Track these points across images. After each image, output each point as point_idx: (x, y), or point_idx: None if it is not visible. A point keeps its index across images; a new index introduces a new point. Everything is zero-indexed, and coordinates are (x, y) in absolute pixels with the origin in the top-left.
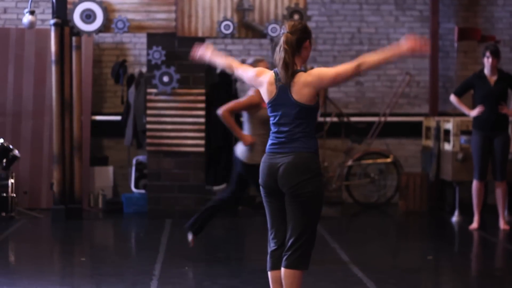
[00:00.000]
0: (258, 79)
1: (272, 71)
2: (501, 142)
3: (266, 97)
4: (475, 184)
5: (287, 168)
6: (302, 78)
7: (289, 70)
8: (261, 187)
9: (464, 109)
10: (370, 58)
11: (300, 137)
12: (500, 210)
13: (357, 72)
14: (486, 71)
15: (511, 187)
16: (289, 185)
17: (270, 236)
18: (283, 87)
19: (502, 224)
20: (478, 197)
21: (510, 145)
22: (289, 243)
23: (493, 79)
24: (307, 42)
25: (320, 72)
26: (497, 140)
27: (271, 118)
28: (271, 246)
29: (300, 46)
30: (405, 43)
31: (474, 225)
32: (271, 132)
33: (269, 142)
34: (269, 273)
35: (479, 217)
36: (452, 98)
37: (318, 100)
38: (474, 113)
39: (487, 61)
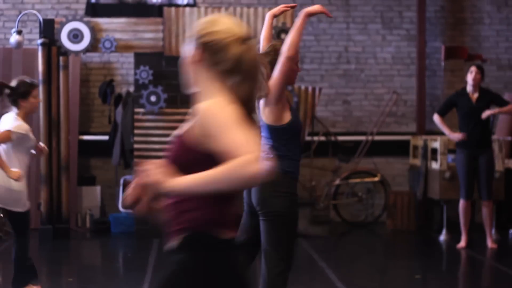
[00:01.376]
0: None
1: None
2: (486, 160)
3: None
4: (461, 203)
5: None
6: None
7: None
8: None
9: (446, 130)
10: (287, 40)
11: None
12: (487, 229)
13: (291, 58)
14: (469, 88)
15: (497, 205)
16: (254, 203)
17: None
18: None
19: (489, 243)
20: (465, 216)
21: (494, 163)
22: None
23: (475, 96)
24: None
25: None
26: (481, 158)
27: None
28: None
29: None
30: (312, 8)
31: (462, 243)
32: None
33: None
34: None
35: (467, 236)
36: (435, 117)
37: (287, 120)
38: (454, 136)
39: (470, 76)
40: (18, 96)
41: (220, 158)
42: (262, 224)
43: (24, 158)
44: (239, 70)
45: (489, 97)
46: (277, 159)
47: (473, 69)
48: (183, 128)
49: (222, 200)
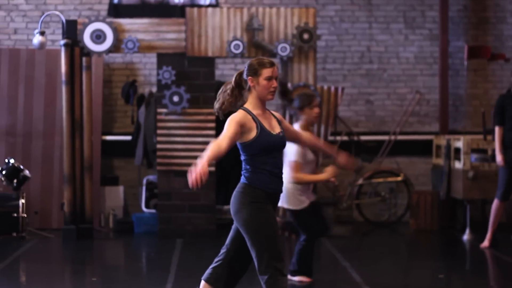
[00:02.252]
0: None
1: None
2: None
3: None
4: (495, 203)
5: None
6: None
7: (230, 104)
8: None
9: (497, 147)
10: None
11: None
12: None
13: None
14: None
15: None
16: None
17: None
18: None
19: None
20: (496, 216)
21: None
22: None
23: None
24: (249, 79)
25: (227, 123)
26: None
27: None
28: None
29: (246, 84)
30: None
31: (486, 243)
32: None
33: None
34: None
35: (492, 235)
36: (497, 130)
37: (249, 139)
38: (498, 159)
39: None
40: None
41: None
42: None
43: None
44: None
45: None
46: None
47: None
48: None
49: None
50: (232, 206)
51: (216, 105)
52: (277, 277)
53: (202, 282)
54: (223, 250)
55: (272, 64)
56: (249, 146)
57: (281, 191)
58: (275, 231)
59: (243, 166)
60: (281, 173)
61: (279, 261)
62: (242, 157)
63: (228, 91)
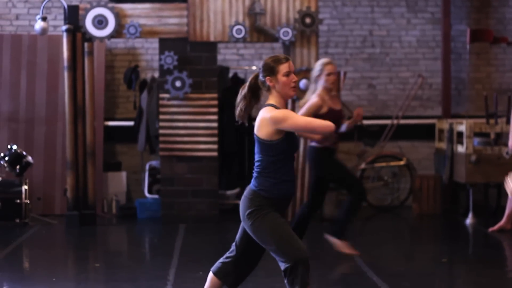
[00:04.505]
0: None
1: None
2: None
3: None
4: None
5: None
6: (264, 113)
7: (247, 108)
8: None
9: (511, 132)
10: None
11: (255, 172)
12: None
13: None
14: None
15: None
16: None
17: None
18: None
19: None
20: (510, 200)
21: None
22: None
23: None
24: (267, 79)
25: (283, 115)
26: None
27: None
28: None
29: (265, 85)
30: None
31: (495, 227)
32: None
33: None
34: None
35: (508, 220)
36: None
37: (277, 138)
38: (510, 143)
39: None
40: None
41: None
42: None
43: None
44: None
45: None
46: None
47: None
48: None
49: None
50: (240, 211)
51: (236, 112)
52: (301, 267)
53: (211, 274)
54: (233, 247)
55: (287, 59)
56: (275, 146)
57: (293, 194)
58: (287, 228)
59: (256, 167)
60: (294, 176)
61: (300, 252)
62: (258, 157)
63: (242, 97)
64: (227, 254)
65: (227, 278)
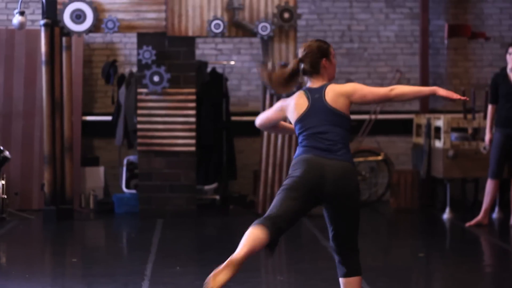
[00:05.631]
0: (285, 103)
1: (301, 91)
2: None
3: (296, 111)
4: (488, 182)
5: (343, 175)
6: (337, 88)
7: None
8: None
9: (488, 127)
10: (404, 87)
11: (344, 147)
12: None
13: (389, 96)
14: (508, 69)
15: (503, 184)
16: (341, 193)
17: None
18: (317, 98)
19: None
20: (487, 194)
21: None
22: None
23: None
24: (323, 61)
25: (355, 86)
26: None
27: (306, 129)
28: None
29: (317, 68)
30: (443, 91)
31: (472, 222)
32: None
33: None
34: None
35: (483, 215)
36: (490, 108)
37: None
38: (486, 140)
39: (509, 58)
40: None
41: None
42: (348, 210)
43: None
44: None
45: None
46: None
47: (511, 50)
48: None
49: None
50: (349, 184)
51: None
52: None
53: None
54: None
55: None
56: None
57: None
58: None
59: (343, 143)
60: None
61: None
62: (342, 132)
63: (284, 76)
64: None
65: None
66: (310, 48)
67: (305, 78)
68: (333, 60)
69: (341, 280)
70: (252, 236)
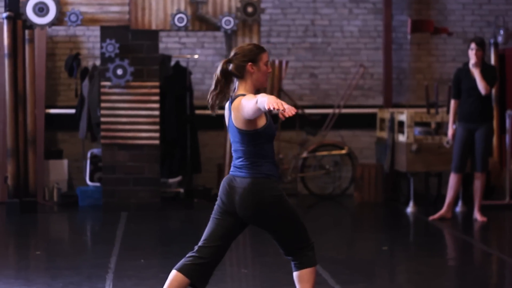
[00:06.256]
0: None
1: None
2: (483, 133)
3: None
4: (451, 176)
5: (243, 193)
6: (236, 103)
7: (218, 97)
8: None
9: (450, 121)
10: (261, 97)
11: (251, 162)
12: (477, 202)
13: (258, 109)
14: (470, 64)
15: (465, 178)
16: (250, 212)
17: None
18: (229, 113)
19: (479, 216)
20: (450, 188)
21: (492, 137)
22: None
23: (477, 71)
24: (248, 65)
25: (242, 102)
26: (479, 131)
27: None
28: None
29: (241, 71)
30: (269, 100)
31: (436, 215)
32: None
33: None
34: (173, 272)
35: (447, 208)
36: (452, 103)
37: (260, 125)
38: (449, 135)
39: (471, 53)
40: None
41: None
42: (268, 224)
43: None
44: None
45: (491, 73)
46: (260, 165)
47: (473, 45)
48: None
49: None
50: (257, 200)
51: (208, 101)
52: (312, 249)
53: (176, 273)
54: (200, 248)
55: (265, 49)
56: (260, 134)
57: None
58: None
59: (247, 159)
60: None
61: (309, 236)
62: (245, 148)
63: (214, 84)
64: (192, 254)
65: (199, 279)
66: (240, 50)
67: (235, 80)
68: (262, 66)
69: (294, 274)
70: (173, 282)
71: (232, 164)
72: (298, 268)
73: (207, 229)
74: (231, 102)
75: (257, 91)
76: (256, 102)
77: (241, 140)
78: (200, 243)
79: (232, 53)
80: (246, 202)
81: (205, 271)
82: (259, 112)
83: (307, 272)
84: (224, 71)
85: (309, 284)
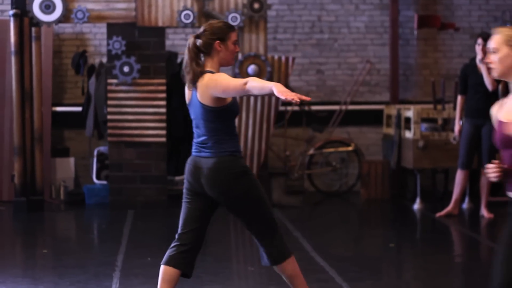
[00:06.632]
0: None
1: None
2: (490, 129)
3: (187, 98)
4: (457, 172)
5: (209, 173)
6: (205, 80)
7: (190, 73)
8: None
9: (457, 117)
10: (256, 81)
11: (215, 140)
12: (484, 198)
13: (243, 91)
14: (477, 59)
15: (472, 174)
16: (216, 190)
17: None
18: (194, 90)
19: (485, 213)
20: (457, 185)
21: None
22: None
23: (484, 67)
24: (216, 43)
25: (217, 79)
26: (486, 127)
27: (192, 121)
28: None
29: (208, 48)
30: (279, 90)
31: (443, 212)
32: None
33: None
34: (162, 267)
35: (454, 205)
36: (459, 99)
37: (227, 102)
38: (455, 131)
39: (478, 48)
40: None
41: None
42: (234, 206)
43: None
44: None
45: None
46: (226, 141)
47: (480, 41)
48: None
49: None
50: (222, 180)
51: (186, 79)
52: (282, 239)
53: (164, 267)
54: (180, 236)
55: (235, 28)
56: (226, 110)
57: None
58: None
59: (212, 137)
60: None
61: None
62: (210, 125)
63: (188, 60)
64: (174, 244)
65: (187, 266)
66: (209, 27)
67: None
68: (230, 45)
69: (275, 268)
70: (164, 277)
71: (194, 142)
72: (274, 263)
73: (181, 215)
74: (199, 78)
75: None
76: (255, 85)
77: (206, 117)
78: (178, 231)
79: (201, 29)
80: (212, 181)
81: (190, 257)
82: (242, 94)
83: (284, 266)
84: (195, 48)
85: (294, 273)
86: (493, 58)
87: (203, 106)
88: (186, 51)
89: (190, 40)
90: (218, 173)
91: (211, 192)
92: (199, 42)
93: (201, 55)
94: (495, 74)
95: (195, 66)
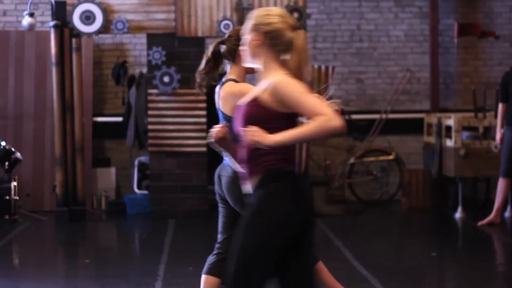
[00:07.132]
0: None
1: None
2: None
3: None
4: (499, 181)
5: (226, 181)
6: (227, 88)
7: (206, 77)
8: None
9: (498, 125)
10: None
11: None
12: None
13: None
14: None
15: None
16: (232, 199)
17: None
18: (218, 98)
19: None
20: (499, 193)
21: None
22: None
23: None
24: (241, 50)
25: (242, 89)
26: None
27: None
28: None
29: (233, 55)
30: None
31: (484, 221)
32: None
33: None
34: (203, 276)
35: (496, 213)
36: (500, 107)
37: None
38: (497, 139)
39: None
40: None
41: (291, 117)
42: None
43: None
44: (291, 50)
45: None
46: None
47: None
48: (254, 94)
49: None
50: (236, 189)
51: (196, 80)
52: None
53: (205, 277)
54: (224, 242)
55: None
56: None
57: None
58: None
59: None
60: None
61: None
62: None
63: (205, 63)
64: (214, 252)
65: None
66: (234, 32)
67: (226, 62)
68: None
69: (202, 276)
70: (205, 286)
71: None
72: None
73: (218, 223)
74: (221, 86)
75: (245, 76)
76: None
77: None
78: (217, 239)
79: (226, 35)
80: (227, 189)
81: None
82: None
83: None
84: (215, 53)
85: None
86: None
87: (224, 115)
88: (204, 55)
89: (212, 45)
90: (234, 183)
91: (229, 200)
92: (223, 48)
93: (226, 61)
94: None
95: (207, 70)
